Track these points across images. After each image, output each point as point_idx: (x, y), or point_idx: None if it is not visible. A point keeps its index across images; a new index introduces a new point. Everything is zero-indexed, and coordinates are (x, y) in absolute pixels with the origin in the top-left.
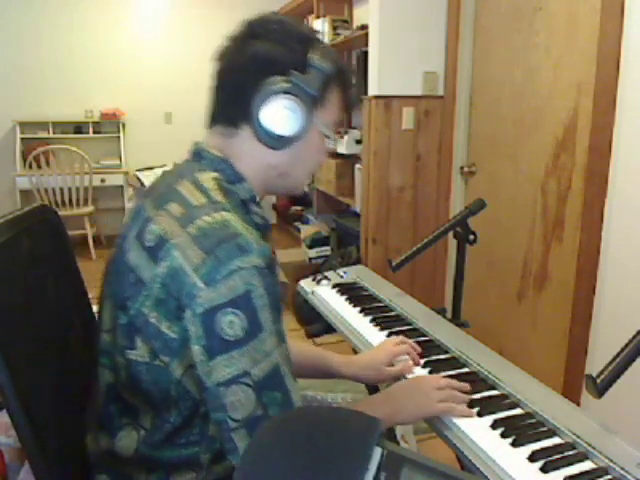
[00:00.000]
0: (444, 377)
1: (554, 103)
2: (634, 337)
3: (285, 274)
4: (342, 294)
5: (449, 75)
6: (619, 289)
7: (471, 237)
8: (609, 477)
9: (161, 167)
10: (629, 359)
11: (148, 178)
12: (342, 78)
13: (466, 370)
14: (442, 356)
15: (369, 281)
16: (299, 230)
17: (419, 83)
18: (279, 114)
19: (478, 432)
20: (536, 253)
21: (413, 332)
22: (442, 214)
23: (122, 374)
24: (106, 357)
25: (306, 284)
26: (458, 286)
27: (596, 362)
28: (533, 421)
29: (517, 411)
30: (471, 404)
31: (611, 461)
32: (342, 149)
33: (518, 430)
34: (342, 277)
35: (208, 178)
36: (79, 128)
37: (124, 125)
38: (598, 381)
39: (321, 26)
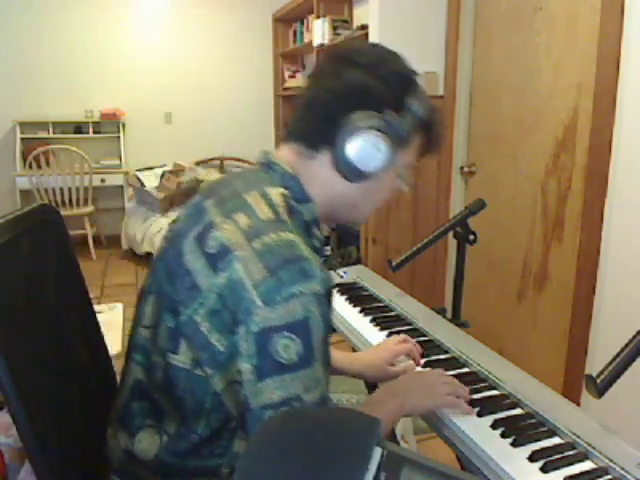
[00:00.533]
0: None
1: (554, 103)
2: (634, 337)
3: None
4: (342, 294)
5: (449, 75)
6: (619, 289)
7: (471, 237)
8: (609, 477)
9: (161, 167)
10: (629, 359)
11: (148, 178)
12: (432, 127)
13: (466, 370)
14: (442, 356)
15: (369, 281)
16: None
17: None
18: (365, 149)
19: (478, 432)
20: (536, 253)
21: (413, 332)
22: (442, 214)
23: (157, 374)
24: (140, 353)
25: None
26: (458, 286)
27: (596, 362)
28: (533, 421)
29: (517, 411)
30: (471, 404)
31: (611, 461)
32: None
33: (518, 430)
34: (342, 277)
35: (277, 193)
36: (79, 128)
37: (124, 125)
38: (598, 381)
39: (321, 26)
